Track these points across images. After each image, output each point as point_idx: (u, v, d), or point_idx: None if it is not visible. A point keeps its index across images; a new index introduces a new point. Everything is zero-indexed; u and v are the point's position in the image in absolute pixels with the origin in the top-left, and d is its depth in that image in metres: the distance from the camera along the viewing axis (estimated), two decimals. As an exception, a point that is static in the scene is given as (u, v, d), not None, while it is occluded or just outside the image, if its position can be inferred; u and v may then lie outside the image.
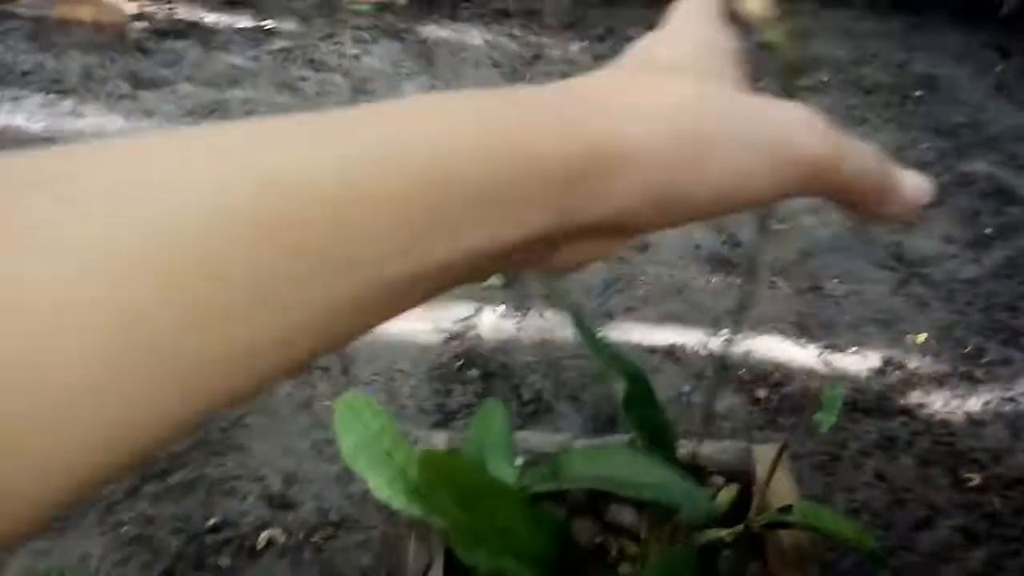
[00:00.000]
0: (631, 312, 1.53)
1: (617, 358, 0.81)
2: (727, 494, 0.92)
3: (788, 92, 0.33)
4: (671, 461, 0.80)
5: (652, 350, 1.45)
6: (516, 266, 0.25)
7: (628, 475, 0.73)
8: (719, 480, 0.94)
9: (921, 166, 2.16)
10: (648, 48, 0.29)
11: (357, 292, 0.21)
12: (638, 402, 0.81)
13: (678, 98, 0.26)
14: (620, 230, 0.26)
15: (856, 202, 0.29)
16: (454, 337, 1.40)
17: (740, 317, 0.69)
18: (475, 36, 2.67)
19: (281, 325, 0.20)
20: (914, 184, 0.30)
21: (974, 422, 1.37)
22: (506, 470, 0.78)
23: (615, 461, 0.74)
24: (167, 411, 0.18)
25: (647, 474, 0.73)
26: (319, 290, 0.20)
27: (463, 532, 0.61)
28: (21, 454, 0.16)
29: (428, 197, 0.21)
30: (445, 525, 0.58)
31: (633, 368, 0.82)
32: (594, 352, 0.77)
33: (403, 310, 0.23)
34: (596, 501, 0.91)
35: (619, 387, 0.77)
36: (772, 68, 0.33)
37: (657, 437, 0.80)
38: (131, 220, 0.17)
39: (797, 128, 0.27)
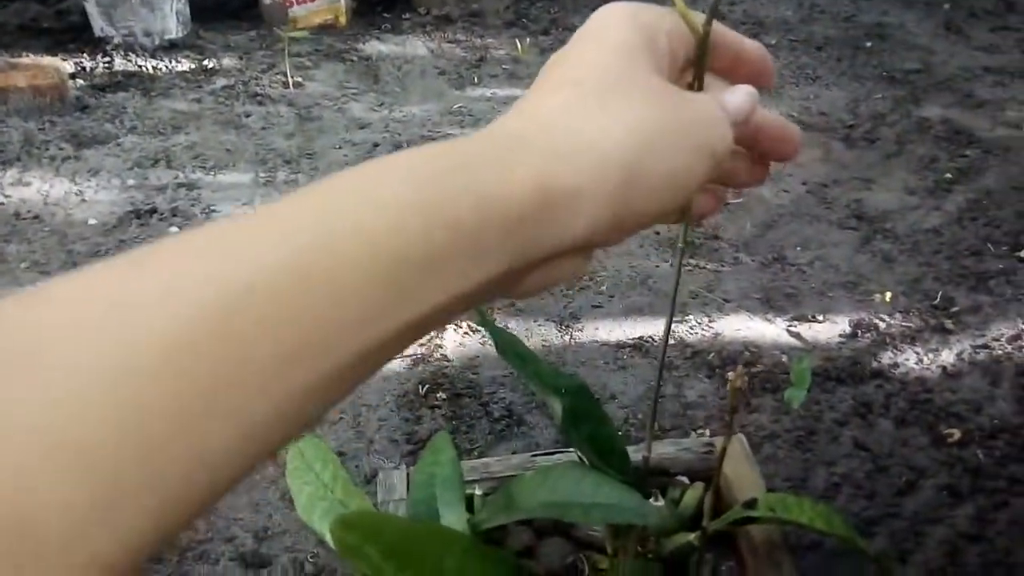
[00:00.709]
0: (597, 309, 1.52)
1: (555, 376, 0.79)
2: (693, 494, 0.90)
3: (699, 69, 0.34)
4: (623, 473, 0.78)
5: (620, 345, 1.43)
6: (482, 302, 0.27)
7: (575, 499, 0.71)
8: (684, 480, 0.93)
9: (877, 117, 2.15)
10: (570, 60, 0.30)
11: (316, 376, 0.21)
12: (583, 418, 0.79)
13: (617, 124, 0.28)
14: (579, 251, 0.28)
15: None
16: (419, 361, 1.39)
17: (673, 297, 0.67)
18: (419, 46, 2.64)
19: (243, 424, 0.20)
20: (735, 101, 0.33)
21: (949, 375, 1.35)
22: (456, 509, 0.76)
23: (562, 485, 0.73)
24: (142, 532, 0.18)
25: (594, 495, 0.71)
26: (276, 383, 0.20)
27: (402, 589, 0.59)
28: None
29: (380, 275, 0.22)
30: (378, 587, 0.57)
31: (575, 383, 0.80)
32: (525, 377, 0.75)
33: (372, 373, 0.24)
34: (563, 520, 0.90)
35: (556, 407, 0.75)
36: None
37: (606, 452, 0.78)
38: (89, 358, 0.18)
39: (713, 125, 0.30)
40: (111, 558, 0.18)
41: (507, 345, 0.77)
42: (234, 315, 0.19)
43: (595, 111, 0.28)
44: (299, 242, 0.21)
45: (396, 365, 1.38)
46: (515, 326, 1.47)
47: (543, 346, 1.44)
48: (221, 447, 0.19)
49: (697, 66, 0.33)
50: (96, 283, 0.20)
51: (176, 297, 0.19)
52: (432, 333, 1.44)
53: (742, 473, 0.91)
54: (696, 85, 0.34)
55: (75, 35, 2.57)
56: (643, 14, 0.31)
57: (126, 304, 0.19)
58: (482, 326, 1.45)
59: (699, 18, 0.33)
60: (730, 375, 0.64)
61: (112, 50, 2.48)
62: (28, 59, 2.37)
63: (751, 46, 0.35)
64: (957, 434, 1.25)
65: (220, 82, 2.37)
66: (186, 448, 0.19)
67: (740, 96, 0.32)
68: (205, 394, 0.19)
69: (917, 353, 1.40)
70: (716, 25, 0.33)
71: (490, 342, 1.44)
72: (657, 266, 1.63)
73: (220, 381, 0.19)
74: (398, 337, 0.23)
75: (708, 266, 1.62)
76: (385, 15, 2.82)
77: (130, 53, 2.49)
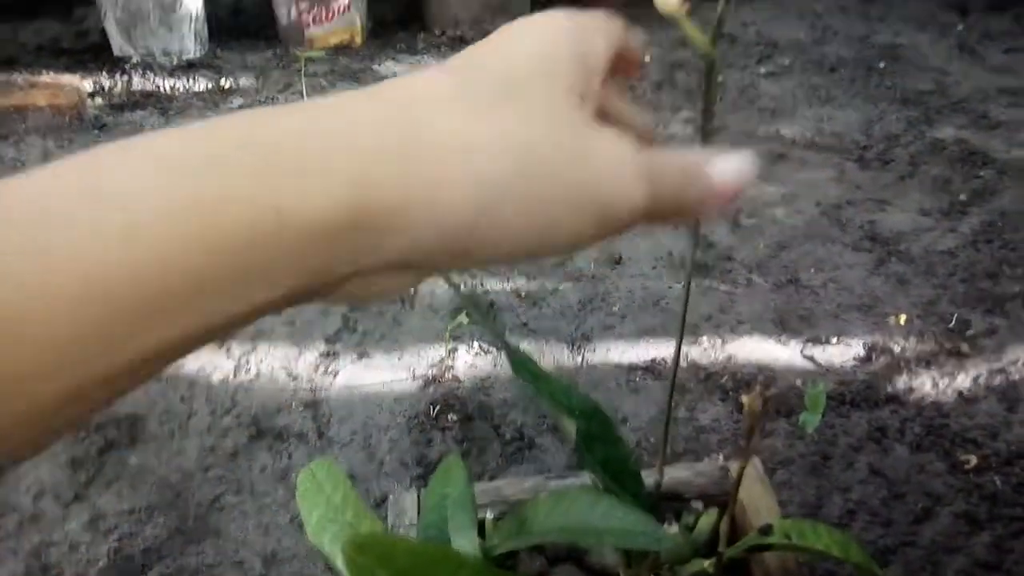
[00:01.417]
0: (609, 330, 1.51)
1: (568, 395, 0.79)
2: (707, 520, 0.89)
3: (708, 87, 0.32)
4: (637, 498, 0.77)
5: (632, 368, 1.42)
6: (283, 309, 0.22)
7: (589, 523, 0.71)
8: (699, 505, 0.92)
9: (891, 138, 2.14)
10: (482, 56, 0.26)
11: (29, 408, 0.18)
12: (598, 440, 0.78)
13: (485, 142, 0.23)
14: (406, 269, 0.23)
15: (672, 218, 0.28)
16: (431, 382, 1.39)
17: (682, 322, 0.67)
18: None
19: None
20: (730, 170, 0.27)
21: (966, 400, 1.34)
22: (468, 533, 0.76)
23: (576, 509, 0.72)
24: None
25: (609, 519, 0.70)
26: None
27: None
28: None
29: (105, 310, 0.18)
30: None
31: (589, 404, 0.79)
32: (539, 395, 0.75)
33: (120, 395, 0.20)
34: (576, 546, 0.89)
35: (571, 427, 0.75)
36: (694, 63, 0.32)
37: (620, 475, 0.78)
38: None
39: (614, 182, 0.25)
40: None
41: (521, 364, 0.77)
42: None
43: (452, 114, 0.23)
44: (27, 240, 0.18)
45: (407, 386, 1.37)
46: (526, 347, 1.47)
47: (555, 367, 1.43)
48: None
49: (705, 95, 0.32)
50: None
51: None
52: (443, 354, 1.44)
53: (757, 497, 0.90)
54: (704, 121, 0.32)
55: (94, 54, 2.60)
56: (583, 23, 0.27)
57: None
58: (496, 342, 1.45)
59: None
60: (744, 399, 0.64)
61: (131, 69, 2.51)
62: (48, 78, 2.40)
63: (633, 37, 0.30)
64: (974, 460, 1.23)
65: (237, 101, 2.39)
66: None
67: (736, 165, 0.27)
68: None
69: (933, 377, 1.38)
70: (613, 21, 0.28)
71: (501, 363, 1.43)
72: (670, 287, 1.62)
73: None
74: (134, 367, 0.19)
75: (721, 287, 1.62)
76: (400, 35, 2.84)
77: (148, 72, 2.51)
